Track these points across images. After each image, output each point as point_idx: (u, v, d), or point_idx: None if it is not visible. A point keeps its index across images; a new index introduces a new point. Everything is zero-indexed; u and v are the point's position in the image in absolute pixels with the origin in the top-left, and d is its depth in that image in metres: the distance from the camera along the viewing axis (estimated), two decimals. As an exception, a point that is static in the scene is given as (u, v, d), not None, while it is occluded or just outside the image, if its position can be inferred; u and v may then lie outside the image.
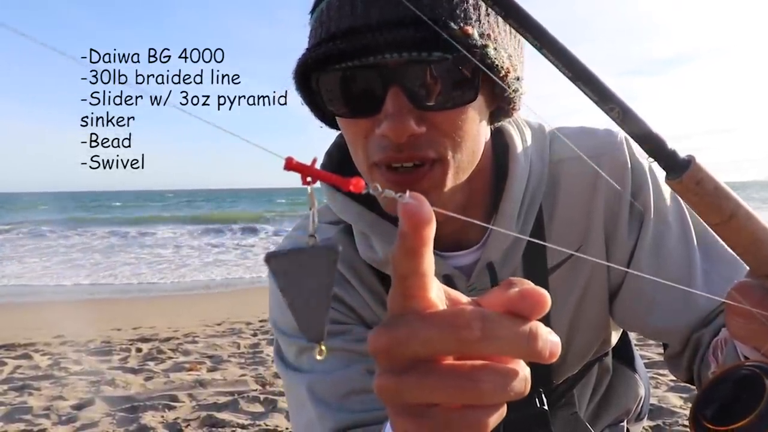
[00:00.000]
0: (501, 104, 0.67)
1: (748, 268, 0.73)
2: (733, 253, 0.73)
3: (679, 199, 0.76)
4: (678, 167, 0.41)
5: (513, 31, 0.61)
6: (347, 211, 0.75)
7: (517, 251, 0.75)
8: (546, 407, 0.81)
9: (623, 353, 1.03)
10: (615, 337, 0.90)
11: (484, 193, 0.75)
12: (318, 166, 0.69)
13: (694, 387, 0.81)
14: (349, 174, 0.76)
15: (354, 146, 0.65)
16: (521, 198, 0.72)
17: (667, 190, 0.78)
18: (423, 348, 0.31)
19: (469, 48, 0.55)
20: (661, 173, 0.44)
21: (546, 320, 0.78)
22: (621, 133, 0.78)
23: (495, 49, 0.57)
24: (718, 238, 0.76)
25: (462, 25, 0.56)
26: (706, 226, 0.75)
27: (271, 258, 0.30)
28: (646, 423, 1.58)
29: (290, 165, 0.30)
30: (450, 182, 0.64)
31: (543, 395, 0.82)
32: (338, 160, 0.78)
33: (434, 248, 0.73)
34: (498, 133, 0.75)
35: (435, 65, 0.57)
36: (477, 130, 0.64)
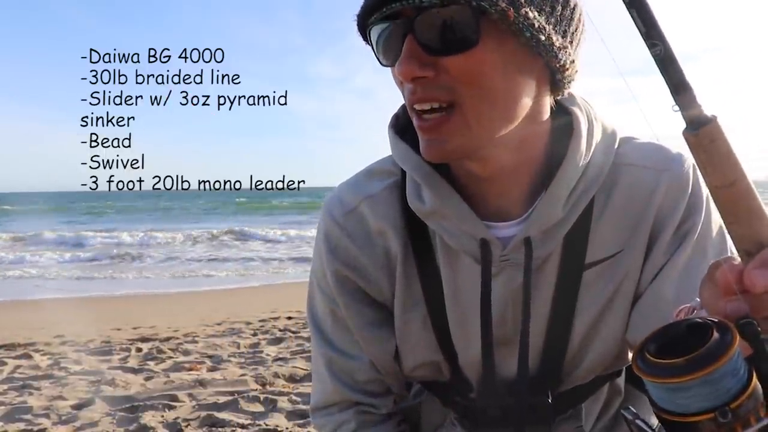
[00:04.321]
0: (550, 63, 0.68)
1: None
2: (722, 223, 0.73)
3: (727, 238, 0.76)
4: (699, 121, 0.42)
5: None
6: (407, 159, 0.78)
7: (558, 234, 0.75)
8: (550, 400, 0.81)
9: (639, 378, 1.01)
10: (630, 356, 0.89)
11: (536, 166, 0.75)
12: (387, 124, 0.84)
13: None
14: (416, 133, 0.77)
15: (401, 93, 0.71)
16: (574, 184, 0.73)
17: (716, 227, 0.78)
18: None
19: None
20: (681, 125, 0.45)
21: (570, 317, 0.80)
22: (691, 160, 0.78)
23: None
24: None
25: None
26: None
27: None
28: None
29: None
30: (475, 130, 0.66)
31: (550, 392, 0.82)
32: (403, 124, 0.82)
33: (477, 216, 0.76)
34: (565, 114, 0.77)
35: (437, 12, 0.61)
36: (504, 81, 0.65)
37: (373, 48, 0.70)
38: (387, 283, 0.84)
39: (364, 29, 0.70)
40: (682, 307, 0.58)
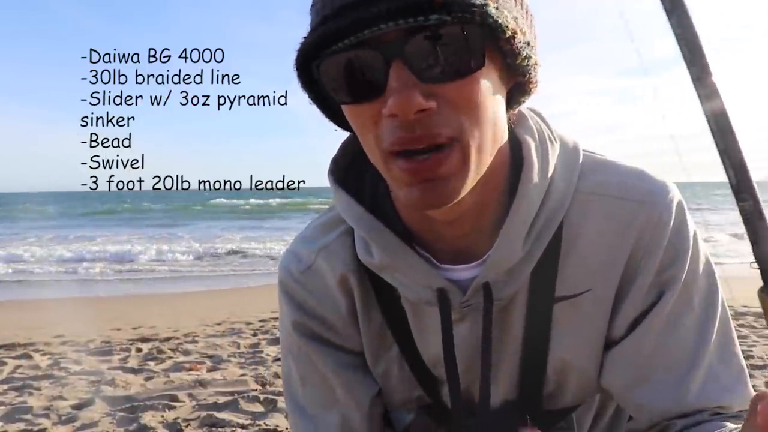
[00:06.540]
0: (517, 79, 0.63)
1: (747, 387, 0.71)
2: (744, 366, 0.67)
3: (719, 287, 0.71)
4: None
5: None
6: (349, 212, 0.73)
7: (522, 271, 0.70)
8: None
9: None
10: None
11: (496, 203, 0.70)
12: (326, 171, 0.76)
13: None
14: (359, 175, 0.76)
15: (364, 137, 0.61)
16: (531, 218, 0.67)
17: (703, 269, 0.71)
18: None
19: (467, 7, 0.52)
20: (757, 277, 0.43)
21: (544, 350, 0.75)
22: (677, 194, 0.70)
23: (497, 8, 0.54)
24: (737, 344, 0.72)
25: None
26: (733, 328, 0.72)
27: None
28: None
29: None
30: (473, 166, 0.59)
31: (529, 420, 0.79)
32: (344, 166, 0.77)
33: (435, 259, 0.72)
34: (516, 144, 0.70)
35: (434, 32, 0.54)
36: (495, 106, 0.60)
37: (323, 85, 0.59)
38: (357, 332, 0.80)
39: (310, 61, 0.59)
40: None
